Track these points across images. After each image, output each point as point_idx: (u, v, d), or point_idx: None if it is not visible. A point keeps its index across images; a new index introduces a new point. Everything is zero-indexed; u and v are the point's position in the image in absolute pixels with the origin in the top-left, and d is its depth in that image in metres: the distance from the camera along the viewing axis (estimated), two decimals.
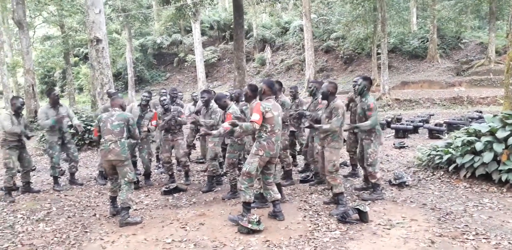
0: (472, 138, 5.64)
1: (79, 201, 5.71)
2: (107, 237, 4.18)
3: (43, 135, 10.36)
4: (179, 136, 6.41)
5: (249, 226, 4.00)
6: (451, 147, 6.01)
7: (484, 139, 5.44)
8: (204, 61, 28.33)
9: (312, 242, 3.77)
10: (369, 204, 4.80)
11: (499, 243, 3.57)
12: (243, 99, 6.58)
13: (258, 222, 4.07)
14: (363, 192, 5.36)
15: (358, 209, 4.21)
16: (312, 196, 5.36)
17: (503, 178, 5.06)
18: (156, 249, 3.82)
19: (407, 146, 8.88)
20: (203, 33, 32.04)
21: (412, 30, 27.15)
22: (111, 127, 4.65)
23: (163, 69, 35.10)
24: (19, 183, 6.41)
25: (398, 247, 3.59)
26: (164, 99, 6.34)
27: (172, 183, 6.18)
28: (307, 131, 6.28)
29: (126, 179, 4.65)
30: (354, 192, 5.48)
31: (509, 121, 5.42)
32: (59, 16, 23.31)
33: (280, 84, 5.96)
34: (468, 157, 5.49)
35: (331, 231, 4.02)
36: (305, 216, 4.52)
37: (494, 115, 6.01)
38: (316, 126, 4.66)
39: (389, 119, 12.60)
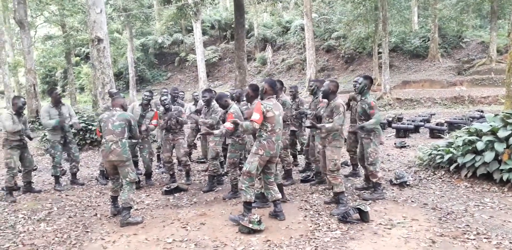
0: (473, 137, 5.63)
1: (80, 201, 5.72)
2: (108, 237, 4.19)
3: (44, 135, 10.38)
4: (180, 135, 6.41)
5: (250, 225, 4.00)
6: (452, 146, 6.00)
7: (485, 138, 5.44)
8: (205, 61, 28.37)
9: (313, 241, 3.77)
10: (370, 203, 4.80)
11: (500, 242, 3.57)
12: (244, 99, 6.62)
13: (259, 222, 4.07)
14: (364, 192, 5.36)
15: (359, 209, 4.21)
16: (313, 195, 5.36)
17: (504, 178, 5.05)
18: (157, 249, 3.82)
19: (408, 146, 8.88)
20: (204, 32, 32.06)
21: (413, 29, 27.10)
22: (112, 127, 4.65)
23: (164, 68, 35.13)
24: (20, 182, 6.43)
25: (399, 246, 3.59)
26: (165, 99, 6.34)
27: (173, 183, 6.18)
28: (307, 130, 6.28)
29: (127, 179, 4.66)
30: (355, 191, 5.47)
31: (510, 120, 5.41)
32: (60, 16, 23.34)
33: (281, 83, 5.96)
34: (469, 157, 5.48)
35: (332, 231, 4.02)
36: (306, 216, 4.52)
37: (495, 115, 6.00)
38: (319, 125, 4.65)
39: (390, 119, 12.60)
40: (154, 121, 6.36)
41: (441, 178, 5.86)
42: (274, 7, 32.60)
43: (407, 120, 11.90)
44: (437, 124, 10.80)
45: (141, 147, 6.55)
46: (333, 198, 4.85)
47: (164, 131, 6.49)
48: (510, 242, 3.56)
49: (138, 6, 25.62)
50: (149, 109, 6.51)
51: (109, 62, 10.25)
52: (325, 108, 4.88)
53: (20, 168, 6.16)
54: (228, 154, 5.43)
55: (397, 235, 3.85)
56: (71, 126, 6.54)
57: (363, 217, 4.23)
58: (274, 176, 4.68)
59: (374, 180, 5.08)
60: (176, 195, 5.82)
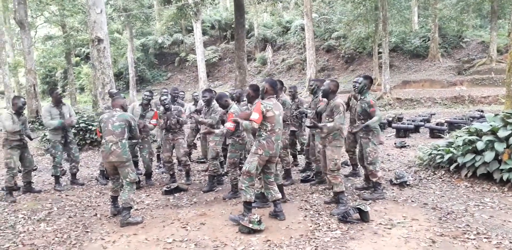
0: (474, 137, 5.63)
1: (80, 201, 5.72)
2: (108, 237, 4.18)
3: (44, 135, 10.38)
4: (179, 135, 6.41)
5: (250, 225, 4.00)
6: (452, 146, 6.00)
7: (485, 138, 5.43)
8: (205, 61, 28.38)
9: (313, 241, 3.77)
10: (370, 203, 4.80)
11: (500, 242, 3.56)
12: (244, 99, 6.62)
13: (259, 222, 4.07)
14: (364, 192, 5.36)
15: (359, 209, 4.21)
16: (313, 195, 5.36)
17: (504, 177, 5.05)
18: (157, 249, 3.82)
19: (408, 145, 8.87)
20: (204, 32, 32.07)
21: (414, 29, 27.10)
22: (112, 128, 4.65)
23: (164, 69, 35.15)
24: (20, 183, 6.43)
25: (399, 246, 3.59)
26: (165, 99, 6.34)
27: (173, 183, 6.18)
28: (307, 129, 6.28)
29: (127, 179, 4.65)
30: (355, 191, 5.47)
31: (510, 120, 5.41)
32: (60, 16, 23.36)
33: (281, 83, 5.97)
34: (469, 156, 5.48)
35: (332, 231, 4.01)
36: (306, 216, 4.52)
37: (496, 115, 6.00)
38: (320, 124, 4.64)
39: (390, 119, 12.60)
40: (153, 121, 6.36)
41: (441, 178, 5.86)
42: (274, 7, 32.60)
43: (407, 120, 11.90)
44: (437, 124, 10.80)
45: (141, 147, 6.56)
46: (333, 198, 4.85)
47: (164, 131, 6.49)
48: (510, 242, 3.56)
49: (138, 6, 25.64)
50: (149, 109, 6.53)
51: (109, 62, 10.25)
52: (325, 107, 4.88)
53: (20, 168, 6.16)
54: (228, 154, 5.43)
55: (397, 235, 3.85)
56: (72, 126, 6.55)
57: (363, 217, 4.23)
58: (275, 177, 4.69)
59: (374, 180, 5.08)
60: (176, 195, 5.82)
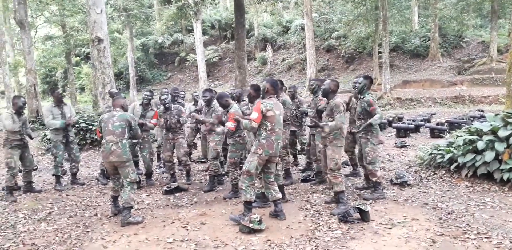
0: (474, 137, 5.63)
1: (80, 200, 5.72)
2: (109, 237, 4.19)
3: (44, 134, 10.39)
4: (180, 134, 6.41)
5: (251, 225, 4.00)
6: (453, 146, 6.00)
7: (485, 138, 5.43)
8: (206, 61, 28.38)
9: (313, 241, 3.77)
10: (370, 203, 4.80)
11: (501, 242, 3.56)
12: (244, 99, 6.62)
13: (260, 222, 4.07)
14: (364, 191, 5.36)
15: (359, 208, 4.21)
16: (313, 195, 5.36)
17: (505, 177, 5.05)
18: (157, 248, 3.82)
19: (408, 145, 8.88)
20: (204, 32, 32.08)
21: (414, 29, 27.10)
22: (113, 128, 4.65)
23: (165, 68, 35.16)
24: (20, 182, 6.43)
25: (400, 246, 3.59)
26: (165, 98, 6.35)
27: (173, 183, 6.18)
28: (308, 129, 6.28)
29: (128, 179, 4.66)
30: (355, 191, 5.47)
31: (510, 120, 5.41)
32: (60, 16, 23.36)
33: (282, 83, 5.96)
34: (469, 156, 5.48)
35: (332, 231, 4.01)
36: (306, 216, 4.52)
37: (496, 114, 5.99)
38: (321, 123, 4.64)
39: (391, 119, 12.60)
40: (153, 121, 6.36)
41: (441, 178, 5.86)
42: (274, 7, 32.58)
43: (408, 120, 11.89)
44: (437, 124, 10.80)
45: (142, 146, 6.56)
46: (333, 198, 4.85)
47: (164, 130, 6.49)
48: (511, 242, 3.56)
49: (138, 6, 25.64)
50: (150, 108, 6.54)
51: (109, 62, 10.26)
52: (325, 106, 4.88)
53: (20, 167, 6.16)
54: (228, 154, 5.43)
55: (397, 234, 3.85)
56: (73, 126, 6.55)
57: (364, 216, 4.23)
58: (276, 177, 4.69)
59: (373, 179, 5.08)
60: (177, 194, 5.82)
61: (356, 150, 5.80)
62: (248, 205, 4.31)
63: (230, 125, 4.57)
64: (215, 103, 5.87)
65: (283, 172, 6.02)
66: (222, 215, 4.69)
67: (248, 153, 4.83)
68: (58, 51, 27.49)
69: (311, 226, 4.18)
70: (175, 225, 4.43)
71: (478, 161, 5.36)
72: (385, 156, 7.82)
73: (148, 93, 6.59)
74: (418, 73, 23.11)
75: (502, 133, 5.26)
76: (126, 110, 4.99)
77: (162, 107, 6.41)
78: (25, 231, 4.45)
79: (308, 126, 5.18)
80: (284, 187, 5.26)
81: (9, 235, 4.36)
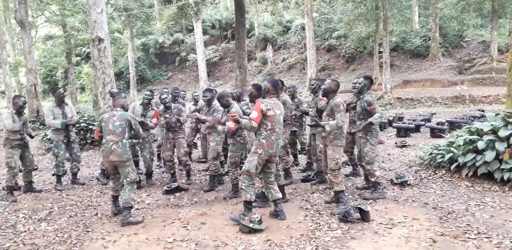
0: (474, 137, 5.62)
1: (81, 200, 5.72)
2: (109, 237, 4.19)
3: (45, 134, 10.39)
4: (180, 134, 6.41)
5: (251, 225, 4.00)
6: (453, 145, 5.99)
7: (486, 137, 5.43)
8: (206, 60, 28.38)
9: (314, 241, 3.76)
10: (370, 203, 4.80)
11: (501, 242, 3.56)
12: (244, 98, 6.62)
13: (260, 221, 4.07)
14: (365, 191, 5.35)
15: (359, 208, 4.21)
16: (313, 195, 5.35)
17: (505, 177, 5.05)
18: (157, 248, 3.82)
19: (408, 145, 8.87)
20: (204, 32, 32.09)
21: (414, 28, 27.09)
22: (113, 127, 4.66)
23: (165, 68, 35.17)
24: (21, 182, 6.43)
25: (400, 246, 3.59)
26: (166, 97, 6.36)
27: (173, 182, 6.19)
28: (308, 129, 6.27)
29: (128, 179, 4.66)
30: (355, 191, 5.47)
31: (511, 120, 5.40)
32: (61, 16, 23.36)
33: (282, 83, 5.96)
34: (470, 156, 5.48)
35: (333, 230, 4.01)
36: (306, 215, 4.52)
37: (496, 114, 5.99)
38: (322, 123, 4.63)
39: (391, 118, 12.60)
40: (154, 120, 6.37)
41: (442, 177, 5.86)
42: (274, 7, 32.61)
43: (408, 120, 11.89)
44: (438, 123, 10.80)
45: (142, 146, 6.56)
46: (333, 198, 4.85)
47: (164, 130, 6.50)
48: (511, 241, 3.56)
49: (139, 6, 25.64)
50: (150, 108, 6.54)
51: (109, 62, 10.25)
52: (325, 106, 4.87)
53: (20, 167, 6.16)
54: (229, 154, 5.43)
55: (398, 234, 3.85)
56: (74, 125, 6.56)
57: (364, 216, 4.23)
58: (276, 177, 4.69)
59: (372, 179, 5.08)
60: (177, 194, 5.82)
61: (356, 150, 5.80)
62: (248, 204, 4.31)
63: (230, 124, 4.58)
64: (215, 103, 5.87)
65: (283, 172, 6.03)
66: (222, 215, 4.69)
67: (249, 153, 4.83)
68: (58, 51, 27.50)
69: (311, 225, 4.18)
70: (175, 225, 4.43)
71: (478, 160, 5.35)
72: (385, 156, 7.82)
73: (148, 93, 6.59)
74: (419, 73, 23.10)
75: (502, 133, 5.26)
76: (126, 110, 4.99)
77: (162, 106, 6.42)
78: (25, 231, 4.46)
79: (309, 125, 5.18)
80: (284, 186, 5.26)
81: (9, 234, 4.36)
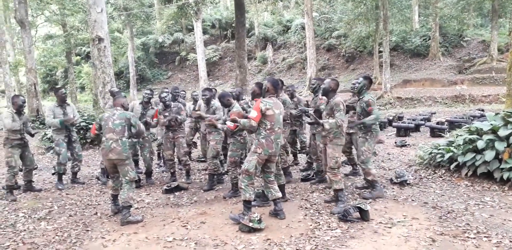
0: (474, 136, 5.62)
1: (80, 199, 5.72)
2: (109, 236, 4.19)
3: (45, 134, 10.39)
4: (180, 133, 6.42)
5: (250, 224, 4.00)
6: (453, 145, 5.99)
7: (486, 137, 5.43)
8: (206, 60, 28.38)
9: (313, 240, 3.77)
10: (370, 202, 4.80)
11: (500, 241, 3.56)
12: (244, 98, 6.62)
13: (259, 221, 4.07)
14: (364, 191, 5.36)
15: (359, 208, 4.21)
16: (313, 194, 5.36)
17: (505, 176, 5.05)
18: (157, 247, 3.82)
19: (408, 144, 8.88)
20: (204, 31, 32.08)
21: (414, 28, 27.08)
22: (113, 126, 4.66)
23: (165, 68, 35.16)
24: (21, 181, 6.43)
25: (399, 245, 3.59)
26: (165, 96, 6.36)
27: (173, 182, 6.19)
28: (308, 129, 6.28)
29: (127, 177, 4.66)
30: (355, 190, 5.47)
31: (511, 119, 5.40)
32: (61, 15, 23.35)
33: (282, 82, 5.96)
34: (469, 155, 5.48)
35: (332, 230, 4.01)
36: (306, 215, 4.52)
37: (496, 114, 5.99)
38: (321, 121, 4.63)
39: (391, 118, 12.60)
40: (154, 120, 6.36)
41: (441, 177, 5.86)
42: (274, 6, 32.59)
43: (408, 119, 11.90)
44: (437, 123, 10.80)
45: (142, 145, 6.57)
46: (333, 197, 4.85)
47: (164, 129, 6.50)
48: (510, 241, 3.56)
49: (139, 5, 25.64)
50: (150, 107, 6.54)
51: (109, 61, 10.25)
52: (324, 106, 4.88)
53: (21, 166, 6.16)
54: (229, 153, 5.44)
55: (397, 233, 3.85)
56: (74, 125, 6.56)
57: (363, 215, 4.23)
58: (277, 176, 4.69)
59: (369, 178, 5.08)
60: (177, 193, 5.82)
61: (354, 150, 5.80)
62: (247, 204, 4.31)
63: (230, 123, 4.58)
64: (214, 102, 5.87)
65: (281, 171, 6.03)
66: (222, 214, 4.69)
67: (249, 152, 4.83)
68: (58, 50, 27.51)
69: (311, 225, 4.18)
70: (175, 224, 4.43)
71: (478, 160, 5.36)
72: (385, 155, 7.83)
73: (148, 92, 6.60)
74: (419, 73, 23.11)
75: (502, 132, 5.26)
76: (126, 109, 5.00)
77: (161, 105, 6.42)
78: (25, 230, 4.46)
79: (308, 123, 5.17)
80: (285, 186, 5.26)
81: (9, 234, 4.36)
